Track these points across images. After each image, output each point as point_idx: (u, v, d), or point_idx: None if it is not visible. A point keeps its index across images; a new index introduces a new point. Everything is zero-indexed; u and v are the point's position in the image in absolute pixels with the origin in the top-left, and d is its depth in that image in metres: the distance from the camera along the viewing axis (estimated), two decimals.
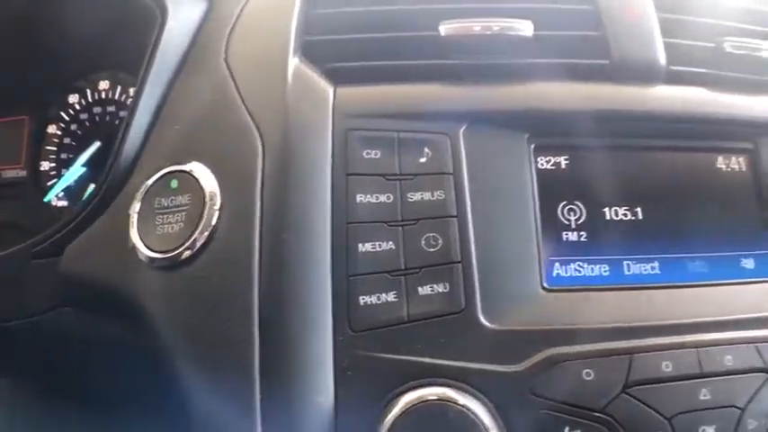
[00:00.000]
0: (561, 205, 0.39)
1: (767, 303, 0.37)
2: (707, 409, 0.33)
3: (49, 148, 0.62)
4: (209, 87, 0.42)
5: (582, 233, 0.39)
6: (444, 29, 0.41)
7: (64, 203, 0.61)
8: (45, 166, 0.62)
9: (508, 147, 0.40)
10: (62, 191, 0.61)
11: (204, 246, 0.37)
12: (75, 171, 0.60)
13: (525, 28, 0.41)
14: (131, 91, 0.58)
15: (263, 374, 0.34)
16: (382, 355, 0.34)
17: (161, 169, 0.40)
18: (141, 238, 0.38)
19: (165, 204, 0.38)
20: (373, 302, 0.35)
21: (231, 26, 0.45)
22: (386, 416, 0.33)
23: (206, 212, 0.37)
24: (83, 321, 0.43)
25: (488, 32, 0.41)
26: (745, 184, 0.41)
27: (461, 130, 0.39)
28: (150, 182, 0.39)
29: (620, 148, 0.40)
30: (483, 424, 0.33)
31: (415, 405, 0.33)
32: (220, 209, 0.37)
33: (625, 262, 0.38)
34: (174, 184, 0.39)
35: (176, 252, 0.37)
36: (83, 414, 0.56)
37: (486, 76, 0.41)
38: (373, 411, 0.34)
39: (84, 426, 0.56)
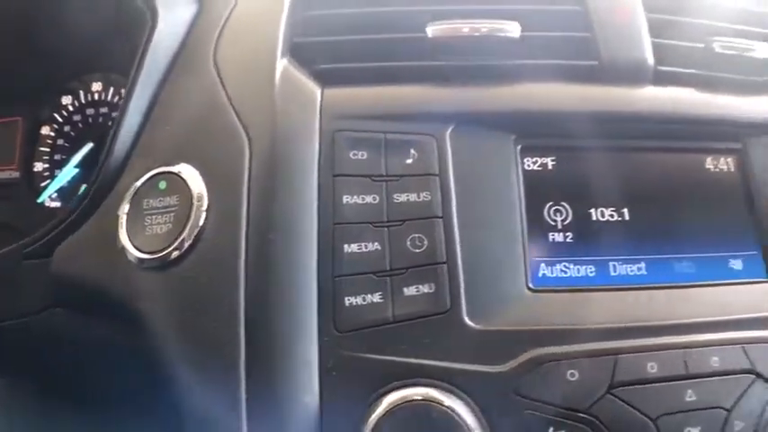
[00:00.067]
0: (547, 206, 0.39)
1: (754, 304, 0.37)
2: (693, 410, 0.33)
3: (42, 149, 0.63)
4: (199, 89, 0.42)
5: (568, 234, 0.39)
6: (432, 30, 0.41)
7: (57, 204, 0.61)
8: (38, 167, 0.62)
9: (495, 148, 0.40)
10: (55, 192, 0.61)
11: (192, 246, 0.37)
12: (69, 172, 0.60)
13: (513, 29, 0.41)
14: (123, 92, 0.58)
15: (248, 374, 0.34)
16: (367, 355, 0.35)
17: (150, 170, 0.40)
18: (130, 239, 0.38)
19: (154, 205, 0.39)
20: (359, 303, 0.35)
21: (220, 28, 0.45)
22: (370, 415, 0.33)
23: (193, 213, 0.37)
24: (74, 322, 0.43)
25: (476, 34, 0.41)
26: (734, 185, 0.41)
27: (448, 132, 0.39)
28: (139, 183, 0.40)
29: (608, 149, 0.40)
30: (467, 424, 0.33)
31: (399, 405, 0.33)
32: (207, 210, 0.37)
33: (611, 263, 0.38)
34: (163, 185, 0.39)
35: (165, 253, 0.37)
36: (78, 414, 0.56)
37: (474, 77, 0.41)
38: (358, 411, 0.34)
39: (81, 425, 0.56)
